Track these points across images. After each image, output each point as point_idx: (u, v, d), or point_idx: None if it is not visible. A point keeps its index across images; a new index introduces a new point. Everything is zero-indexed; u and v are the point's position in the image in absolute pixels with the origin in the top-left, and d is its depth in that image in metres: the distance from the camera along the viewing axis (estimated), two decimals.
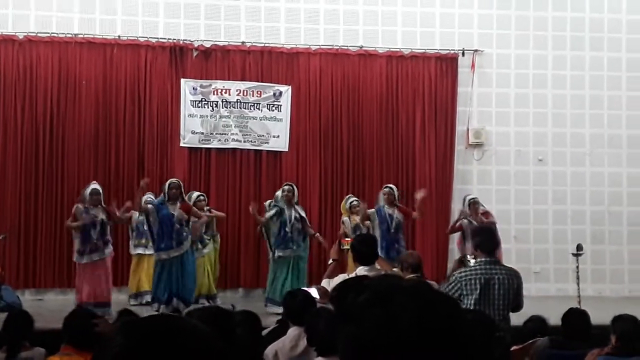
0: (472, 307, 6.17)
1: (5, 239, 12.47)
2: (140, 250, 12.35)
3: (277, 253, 11.72)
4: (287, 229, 11.69)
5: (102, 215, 11.07)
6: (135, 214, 12.13)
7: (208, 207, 12.67)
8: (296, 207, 11.96)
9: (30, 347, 6.10)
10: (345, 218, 12.59)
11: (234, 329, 3.62)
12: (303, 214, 12.01)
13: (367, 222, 11.95)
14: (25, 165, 13.57)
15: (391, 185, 12.33)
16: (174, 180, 11.46)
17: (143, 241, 12.26)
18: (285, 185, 12.20)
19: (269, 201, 12.30)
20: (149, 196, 12.01)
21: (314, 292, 6.88)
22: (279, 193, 12.06)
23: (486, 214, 12.41)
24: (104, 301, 10.72)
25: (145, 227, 11.75)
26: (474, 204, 12.44)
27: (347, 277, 5.80)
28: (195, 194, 12.42)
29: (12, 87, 13.64)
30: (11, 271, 12.95)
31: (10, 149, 13.56)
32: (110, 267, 11.27)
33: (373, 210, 11.96)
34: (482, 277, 6.42)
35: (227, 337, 3.53)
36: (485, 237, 6.79)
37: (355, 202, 12.58)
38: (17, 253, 13.25)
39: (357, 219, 12.25)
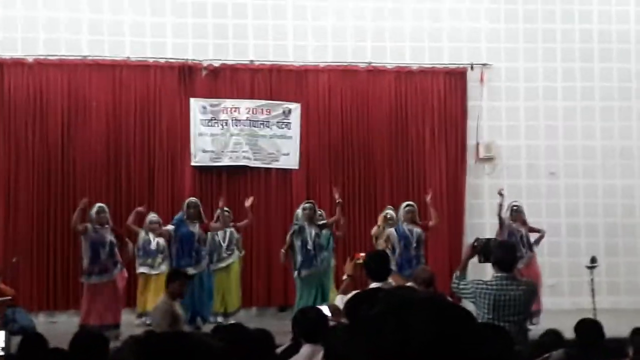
0: (484, 319, 6.14)
1: (18, 262, 12.48)
2: (144, 270, 12.25)
3: (303, 272, 11.70)
4: (309, 247, 11.67)
5: (110, 237, 11.07)
6: (142, 233, 12.20)
7: (232, 223, 12.69)
8: (316, 224, 11.93)
9: None
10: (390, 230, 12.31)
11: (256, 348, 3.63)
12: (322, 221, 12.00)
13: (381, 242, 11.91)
14: (37, 187, 13.61)
15: (411, 203, 12.30)
16: (192, 199, 11.66)
17: (149, 261, 12.22)
18: (306, 203, 12.20)
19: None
20: (152, 215, 12.23)
21: (325, 309, 6.85)
22: (299, 211, 12.07)
23: (532, 229, 12.65)
24: (112, 323, 10.68)
25: (152, 247, 11.88)
26: (516, 211, 12.46)
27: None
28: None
29: (22, 110, 13.70)
30: (25, 294, 12.95)
31: (22, 171, 13.60)
32: (122, 288, 11.27)
33: (391, 229, 11.93)
34: (497, 293, 6.38)
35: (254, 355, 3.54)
36: (505, 253, 6.73)
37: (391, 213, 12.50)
38: (30, 275, 13.26)
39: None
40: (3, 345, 3.92)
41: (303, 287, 11.74)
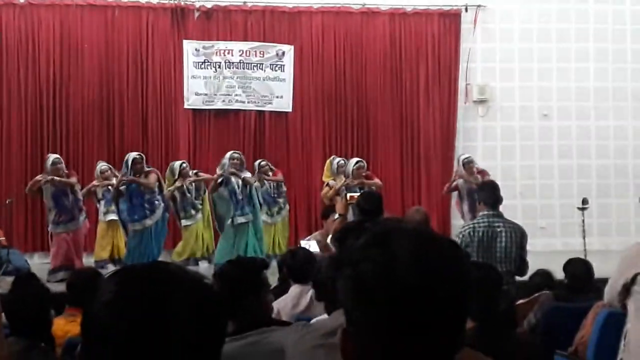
0: (475, 259, 6.19)
1: (12, 204, 12.49)
2: (113, 217, 11.89)
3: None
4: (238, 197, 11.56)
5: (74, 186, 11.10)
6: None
7: (195, 171, 12.58)
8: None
9: None
10: (331, 181, 12.03)
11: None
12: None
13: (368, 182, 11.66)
14: (29, 128, 13.61)
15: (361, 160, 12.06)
16: (136, 155, 11.32)
17: (112, 207, 11.97)
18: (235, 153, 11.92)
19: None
20: (102, 164, 12.25)
21: (314, 245, 6.88)
22: (225, 161, 11.74)
23: (482, 172, 12.22)
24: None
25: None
26: (467, 163, 12.30)
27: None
28: (177, 163, 12.37)
29: (14, 51, 13.64)
30: (19, 235, 13.02)
31: (15, 113, 13.58)
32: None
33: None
34: (485, 229, 6.45)
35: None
36: (488, 191, 6.81)
37: (342, 162, 12.33)
38: (24, 217, 13.30)
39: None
40: None
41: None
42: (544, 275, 7.09)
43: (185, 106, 14.13)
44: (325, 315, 4.84)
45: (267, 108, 14.37)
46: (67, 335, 4.81)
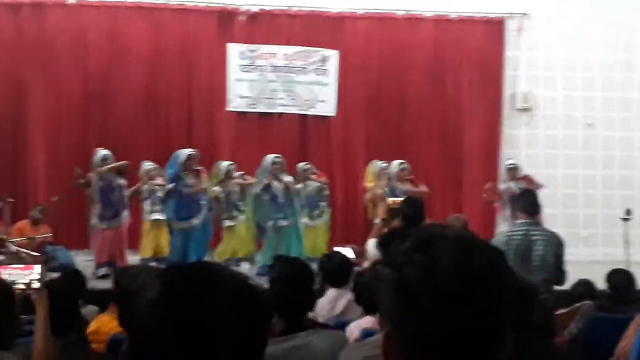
0: (512, 266, 6.13)
1: (59, 201, 12.66)
2: (158, 216, 12.04)
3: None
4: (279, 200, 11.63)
5: (118, 180, 11.26)
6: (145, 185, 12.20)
7: (241, 173, 12.64)
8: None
9: (84, 305, 6.22)
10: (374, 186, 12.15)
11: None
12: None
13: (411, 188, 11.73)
14: (77, 128, 13.78)
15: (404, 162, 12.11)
16: (191, 151, 11.47)
17: (157, 207, 12.12)
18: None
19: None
20: (147, 164, 12.21)
21: (349, 252, 6.91)
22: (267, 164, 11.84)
23: (526, 178, 12.22)
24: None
25: (159, 194, 11.87)
26: (510, 169, 12.33)
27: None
28: (225, 164, 12.44)
29: (63, 50, 13.83)
30: (65, 233, 13.18)
31: (64, 112, 13.79)
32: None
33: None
34: (522, 238, 6.41)
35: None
36: (526, 199, 6.78)
37: (384, 165, 12.36)
38: (70, 215, 13.46)
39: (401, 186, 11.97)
40: (40, 277, 4.05)
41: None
42: (585, 285, 7.05)
43: (229, 108, 14.23)
44: (366, 318, 4.90)
45: (310, 112, 14.42)
46: (111, 332, 4.89)
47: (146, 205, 12.14)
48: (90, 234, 11.60)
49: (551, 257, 6.44)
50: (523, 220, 6.56)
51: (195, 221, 11.23)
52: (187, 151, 11.45)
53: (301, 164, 12.69)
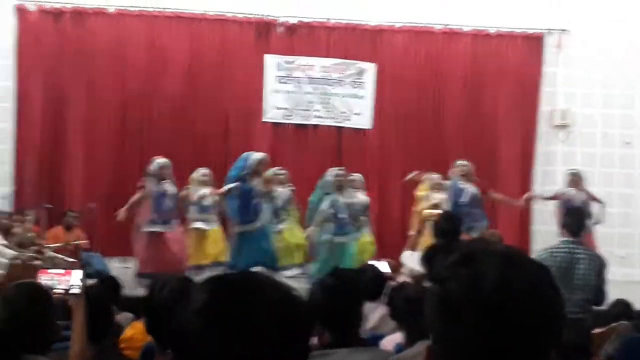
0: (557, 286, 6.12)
1: (94, 208, 12.76)
2: (201, 225, 11.78)
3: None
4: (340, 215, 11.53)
5: (173, 189, 11.28)
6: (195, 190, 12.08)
7: (291, 187, 12.50)
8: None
9: (118, 312, 6.25)
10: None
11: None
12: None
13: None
14: (114, 135, 13.91)
15: (466, 162, 12.10)
16: (263, 156, 11.59)
17: (204, 216, 11.92)
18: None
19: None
20: (203, 170, 12.00)
21: (384, 266, 6.88)
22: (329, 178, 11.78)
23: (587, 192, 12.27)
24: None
25: (207, 202, 11.74)
26: (572, 175, 12.30)
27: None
28: (273, 170, 12.40)
29: (102, 58, 13.97)
30: (101, 239, 13.27)
31: (102, 119, 13.92)
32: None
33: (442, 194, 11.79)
34: (565, 255, 6.38)
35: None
36: (573, 218, 6.74)
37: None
38: (106, 222, 13.55)
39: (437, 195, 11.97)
40: (79, 282, 4.07)
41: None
42: (622, 306, 6.98)
43: (265, 119, 14.28)
44: (399, 333, 4.88)
45: (346, 124, 14.43)
46: (146, 339, 4.90)
47: (191, 213, 11.96)
48: (135, 241, 11.47)
49: (593, 277, 6.39)
50: (566, 239, 6.52)
51: (257, 224, 11.26)
52: (258, 155, 11.50)
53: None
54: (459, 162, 12.06)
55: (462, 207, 11.19)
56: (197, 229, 11.84)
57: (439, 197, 11.80)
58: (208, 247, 11.87)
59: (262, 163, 11.41)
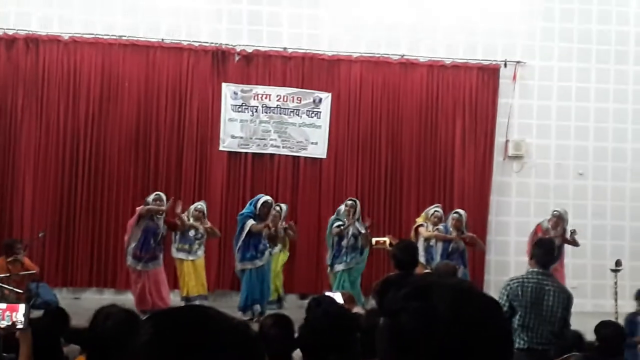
0: (522, 315, 6.22)
1: (44, 237, 12.57)
2: (181, 255, 11.93)
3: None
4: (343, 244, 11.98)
5: (162, 227, 11.57)
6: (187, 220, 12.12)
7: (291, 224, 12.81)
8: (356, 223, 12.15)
9: (66, 344, 6.13)
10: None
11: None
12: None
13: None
14: (66, 163, 13.75)
15: (460, 211, 12.57)
16: (268, 198, 11.95)
17: (186, 247, 12.08)
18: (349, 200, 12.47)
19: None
20: (199, 204, 12.36)
21: (338, 297, 6.85)
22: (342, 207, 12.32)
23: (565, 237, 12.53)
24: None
25: (191, 234, 11.85)
26: (553, 217, 12.65)
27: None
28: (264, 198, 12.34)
29: (55, 86, 13.86)
30: (50, 269, 13.08)
31: (52, 147, 13.76)
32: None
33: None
34: (534, 286, 6.42)
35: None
36: (543, 250, 6.78)
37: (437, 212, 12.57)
38: (56, 251, 13.39)
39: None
40: (22, 318, 3.99)
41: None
42: (574, 337, 7.00)
43: (221, 148, 14.22)
44: None
45: (302, 154, 14.42)
46: None
47: (175, 242, 12.06)
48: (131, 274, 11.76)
49: (560, 310, 6.43)
50: (535, 270, 6.56)
51: (259, 262, 11.56)
52: (264, 197, 11.97)
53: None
54: (454, 212, 12.49)
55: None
56: (179, 259, 11.91)
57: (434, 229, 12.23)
58: (186, 277, 11.94)
59: (264, 206, 11.73)
